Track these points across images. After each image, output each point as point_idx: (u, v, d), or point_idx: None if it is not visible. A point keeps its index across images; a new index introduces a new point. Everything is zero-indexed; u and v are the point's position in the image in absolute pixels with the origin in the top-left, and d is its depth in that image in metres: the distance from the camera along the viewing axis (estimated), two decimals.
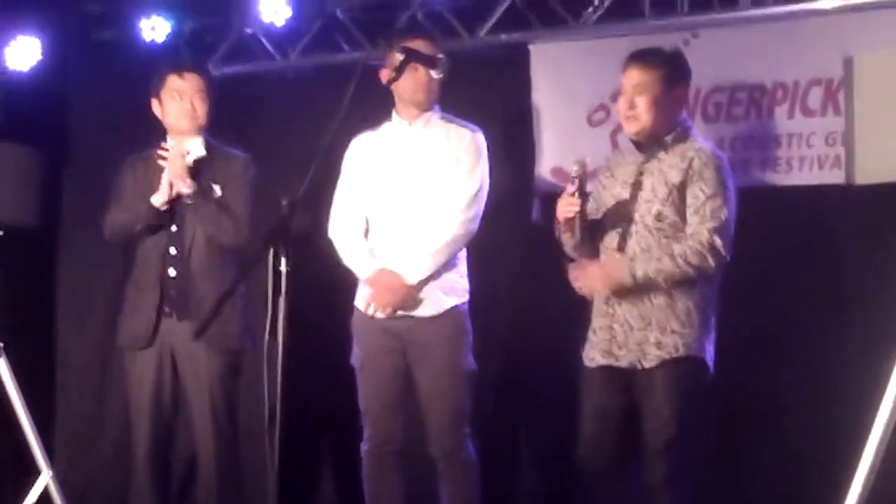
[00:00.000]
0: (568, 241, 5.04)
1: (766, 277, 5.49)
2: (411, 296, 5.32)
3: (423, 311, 5.34)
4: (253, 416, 4.43)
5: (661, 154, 4.97)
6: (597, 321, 5.02)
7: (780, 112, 5.52)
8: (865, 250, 5.33)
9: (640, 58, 5.03)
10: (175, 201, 5.53)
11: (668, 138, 4.98)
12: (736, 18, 5.66)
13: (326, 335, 5.71)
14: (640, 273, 4.82)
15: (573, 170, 4.94)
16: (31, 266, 6.89)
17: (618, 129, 5.55)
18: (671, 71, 5.02)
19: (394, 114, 5.51)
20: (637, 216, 4.93)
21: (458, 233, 5.34)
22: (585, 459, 5.03)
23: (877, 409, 4.20)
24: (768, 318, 5.49)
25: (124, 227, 5.64)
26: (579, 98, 5.85)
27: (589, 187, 5.05)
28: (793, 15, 5.51)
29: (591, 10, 6.01)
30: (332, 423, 5.56)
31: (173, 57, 6.51)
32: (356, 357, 5.46)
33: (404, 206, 5.39)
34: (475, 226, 5.38)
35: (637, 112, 4.96)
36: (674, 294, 4.84)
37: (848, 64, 3.79)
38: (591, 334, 5.05)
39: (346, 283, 5.52)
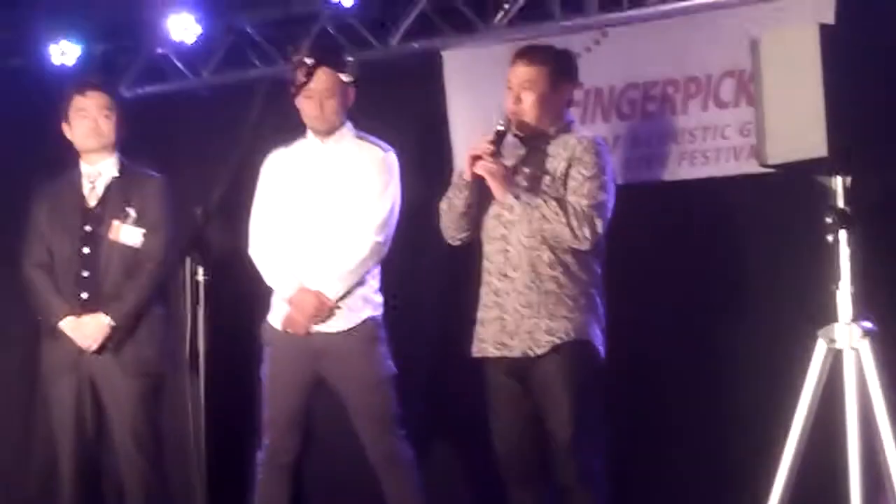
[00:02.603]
0: (458, 197, 5.00)
1: (684, 268, 5.51)
2: (330, 312, 5.34)
3: (337, 325, 5.37)
4: (179, 435, 4.38)
5: (544, 146, 4.99)
6: (485, 313, 5.01)
7: (694, 105, 5.54)
8: (777, 239, 5.34)
9: (527, 54, 5.03)
10: (90, 214, 5.55)
11: (552, 130, 5.00)
12: (645, 15, 5.66)
13: (248, 349, 5.65)
14: (524, 196, 4.84)
15: (498, 123, 4.92)
16: None
17: None
18: (558, 68, 5.03)
19: (308, 131, 5.51)
20: (519, 203, 4.91)
21: (372, 253, 5.37)
22: (505, 472, 5.04)
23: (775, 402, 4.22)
24: (685, 308, 5.52)
25: (31, 300, 5.68)
26: (492, 102, 5.82)
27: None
28: (701, 8, 5.53)
29: (501, 14, 6.02)
30: (256, 436, 5.51)
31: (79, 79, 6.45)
32: (265, 371, 5.46)
33: (316, 223, 5.40)
34: (386, 247, 5.43)
35: (522, 108, 4.95)
36: (561, 281, 4.86)
37: (754, 45, 3.81)
38: (478, 327, 5.04)
39: (263, 296, 5.52)
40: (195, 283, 4.04)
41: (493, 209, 5.02)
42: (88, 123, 5.59)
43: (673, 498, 5.50)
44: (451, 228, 5.11)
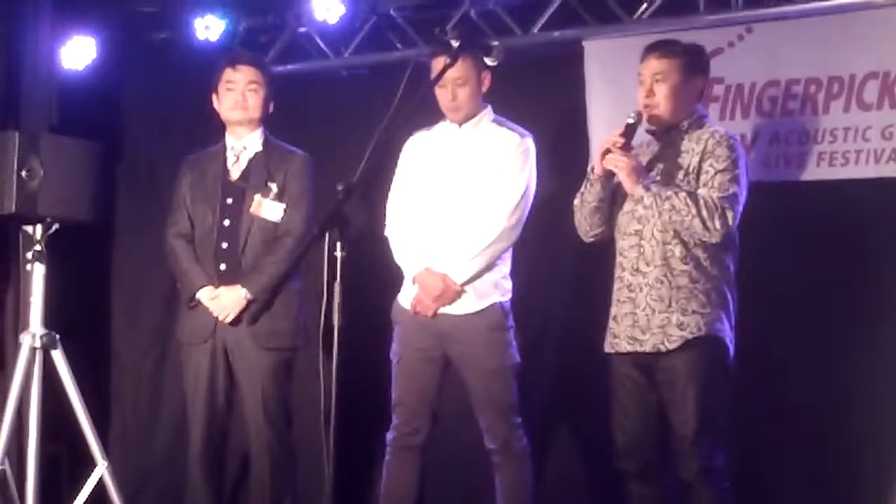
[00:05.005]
0: (589, 192, 5.03)
1: (818, 270, 5.47)
2: (457, 296, 5.37)
3: (465, 308, 5.39)
4: (311, 410, 4.44)
5: (677, 141, 5.00)
6: (618, 308, 5.01)
7: (836, 106, 5.49)
8: None
9: (659, 47, 5.04)
10: (233, 187, 5.59)
11: (685, 124, 5.00)
12: (791, 12, 5.63)
13: (380, 330, 5.69)
14: (654, 188, 4.84)
15: (630, 116, 4.95)
16: (86, 261, 6.88)
17: None
18: (690, 61, 5.04)
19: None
20: (649, 196, 4.89)
21: (502, 236, 5.37)
22: (623, 465, 5.06)
23: None
24: (818, 310, 5.48)
25: (171, 268, 5.77)
26: (633, 95, 5.81)
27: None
28: (848, 8, 5.49)
29: (645, 5, 6.00)
30: (385, 417, 5.55)
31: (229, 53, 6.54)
32: (395, 350, 5.51)
33: (451, 206, 5.43)
34: (519, 230, 5.42)
35: (655, 100, 4.97)
36: (693, 276, 4.86)
37: None
38: (612, 322, 5.05)
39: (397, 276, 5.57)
40: (333, 259, 4.09)
41: (627, 205, 5.02)
42: (235, 96, 5.63)
43: (797, 500, 5.47)
44: (585, 225, 5.13)
